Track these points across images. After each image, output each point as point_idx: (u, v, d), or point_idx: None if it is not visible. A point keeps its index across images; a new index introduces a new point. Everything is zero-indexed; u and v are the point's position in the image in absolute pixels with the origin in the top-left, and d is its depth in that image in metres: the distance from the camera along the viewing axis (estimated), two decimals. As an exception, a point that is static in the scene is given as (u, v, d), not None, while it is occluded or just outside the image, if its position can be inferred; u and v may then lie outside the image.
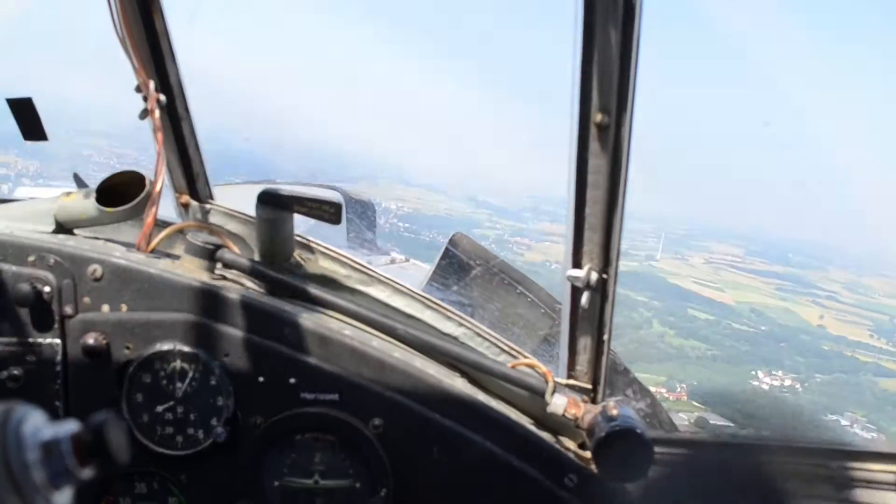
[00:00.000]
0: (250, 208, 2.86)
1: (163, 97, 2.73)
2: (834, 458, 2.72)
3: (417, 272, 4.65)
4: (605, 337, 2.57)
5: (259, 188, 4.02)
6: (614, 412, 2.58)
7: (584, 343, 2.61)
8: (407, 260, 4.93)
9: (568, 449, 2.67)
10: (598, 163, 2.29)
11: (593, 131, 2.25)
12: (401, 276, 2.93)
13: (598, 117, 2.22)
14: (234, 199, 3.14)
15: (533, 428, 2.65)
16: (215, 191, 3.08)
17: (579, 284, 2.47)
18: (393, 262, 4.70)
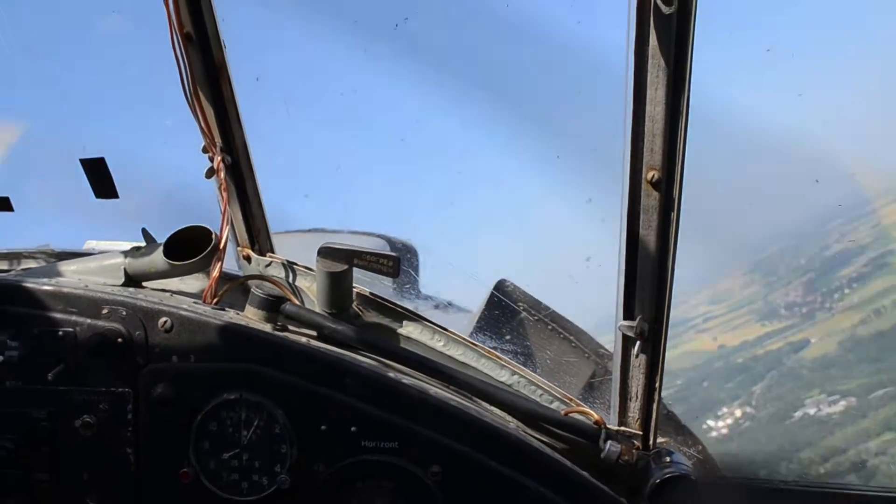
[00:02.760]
0: (307, 257, 2.99)
1: (228, 158, 2.87)
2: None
3: (460, 317, 4.72)
4: (657, 384, 2.64)
5: (311, 236, 4.16)
6: (667, 459, 2.65)
7: (636, 390, 2.68)
8: (449, 304, 4.99)
9: (621, 494, 2.72)
10: (649, 218, 2.39)
11: (644, 187, 2.35)
12: (444, 321, 3.02)
13: (649, 174, 2.32)
14: (291, 248, 3.26)
15: (586, 474, 2.70)
16: (273, 239, 3.21)
17: (631, 334, 2.55)
18: (437, 306, 4.77)
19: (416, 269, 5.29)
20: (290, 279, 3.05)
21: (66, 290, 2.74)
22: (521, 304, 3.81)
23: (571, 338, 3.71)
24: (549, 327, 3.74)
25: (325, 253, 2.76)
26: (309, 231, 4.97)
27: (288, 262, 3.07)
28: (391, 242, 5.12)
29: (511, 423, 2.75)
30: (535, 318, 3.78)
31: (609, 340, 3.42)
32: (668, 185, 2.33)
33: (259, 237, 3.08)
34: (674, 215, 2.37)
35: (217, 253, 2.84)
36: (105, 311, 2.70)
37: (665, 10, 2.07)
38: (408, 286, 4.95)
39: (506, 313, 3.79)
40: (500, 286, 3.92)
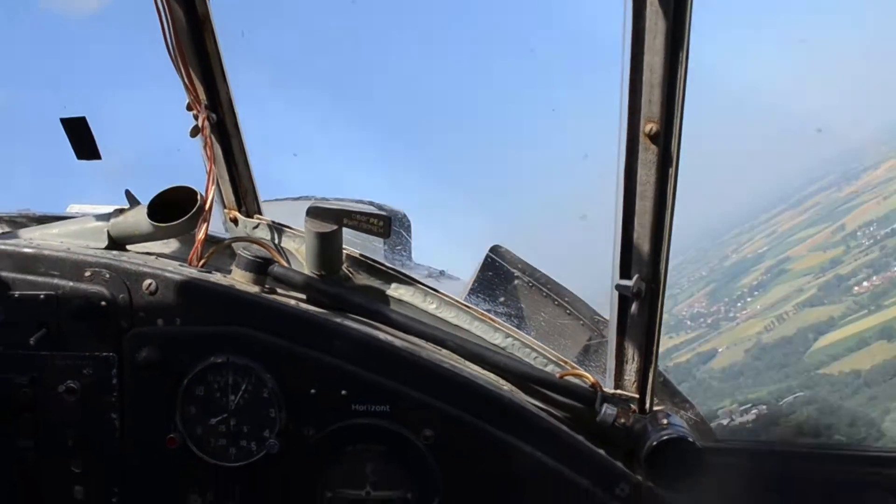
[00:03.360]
0: (297, 223, 2.91)
1: (213, 115, 2.78)
2: (886, 464, 2.71)
3: (453, 284, 4.66)
4: (654, 346, 2.59)
5: (301, 203, 4.09)
6: (664, 421, 2.60)
7: (632, 352, 2.62)
8: (442, 273, 4.94)
9: (616, 458, 2.67)
10: (646, 173, 2.32)
11: (642, 141, 2.28)
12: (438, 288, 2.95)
13: (647, 127, 2.25)
14: (280, 214, 3.19)
15: (582, 438, 2.65)
16: (262, 206, 3.13)
17: (628, 294, 2.49)
18: (430, 275, 4.72)
19: (409, 238, 5.23)
20: (278, 241, 2.98)
21: (46, 252, 2.66)
22: (515, 268, 3.76)
23: (566, 303, 3.66)
24: (544, 292, 3.69)
25: (314, 213, 2.68)
26: (298, 199, 4.90)
27: (276, 223, 3.00)
28: (383, 211, 5.05)
29: (505, 387, 2.70)
30: (530, 282, 3.73)
31: (603, 306, 3.37)
32: (666, 138, 2.27)
33: (246, 198, 3.00)
34: (672, 170, 2.31)
35: (202, 214, 2.76)
36: (88, 274, 2.63)
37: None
38: (399, 248, 4.90)
39: (500, 276, 3.74)
40: (496, 250, 3.86)
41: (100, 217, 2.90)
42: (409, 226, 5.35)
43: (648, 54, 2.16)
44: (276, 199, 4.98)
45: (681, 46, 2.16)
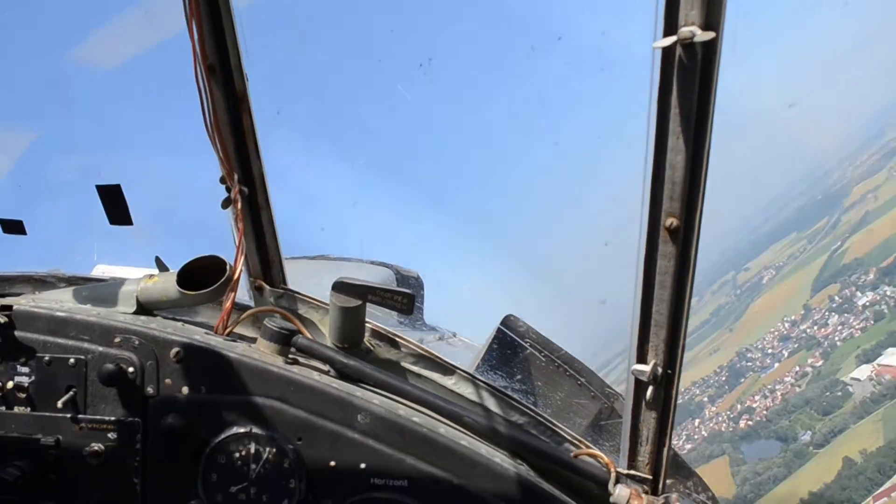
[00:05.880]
0: (312, 282, 2.98)
1: (245, 189, 2.87)
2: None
3: (465, 349, 4.72)
4: (668, 429, 2.63)
5: (317, 263, 4.16)
6: (677, 504, 2.63)
7: (646, 435, 2.67)
8: (454, 335, 5.00)
9: (628, 539, 2.70)
10: (666, 264, 2.39)
11: (663, 235, 2.35)
12: (450, 354, 3.01)
13: (668, 221, 2.33)
14: (296, 273, 3.26)
15: (595, 518, 2.69)
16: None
17: (644, 379, 2.55)
18: (441, 338, 4.78)
19: (422, 299, 5.30)
20: (302, 311, 3.05)
21: (78, 317, 2.74)
22: (528, 339, 3.80)
23: (578, 376, 3.70)
24: (556, 364, 3.73)
25: (340, 288, 2.76)
26: (315, 258, 4.99)
27: (299, 294, 3.07)
28: (398, 272, 5.13)
29: (521, 465, 2.74)
30: (543, 354, 3.78)
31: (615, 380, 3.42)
32: (686, 233, 2.34)
33: (272, 268, 3.07)
34: (691, 263, 2.38)
35: (230, 284, 2.83)
36: (117, 340, 2.70)
37: (688, 63, 2.10)
38: (413, 315, 4.94)
39: (514, 349, 3.78)
40: (507, 321, 3.91)
41: (129, 282, 2.97)
42: (423, 287, 5.42)
43: (671, 154, 2.24)
44: (293, 258, 5.07)
45: (703, 146, 2.25)
